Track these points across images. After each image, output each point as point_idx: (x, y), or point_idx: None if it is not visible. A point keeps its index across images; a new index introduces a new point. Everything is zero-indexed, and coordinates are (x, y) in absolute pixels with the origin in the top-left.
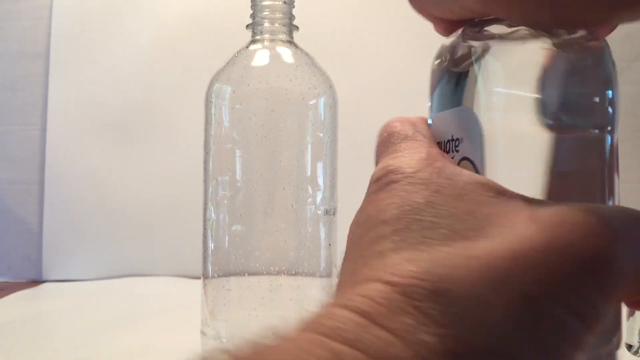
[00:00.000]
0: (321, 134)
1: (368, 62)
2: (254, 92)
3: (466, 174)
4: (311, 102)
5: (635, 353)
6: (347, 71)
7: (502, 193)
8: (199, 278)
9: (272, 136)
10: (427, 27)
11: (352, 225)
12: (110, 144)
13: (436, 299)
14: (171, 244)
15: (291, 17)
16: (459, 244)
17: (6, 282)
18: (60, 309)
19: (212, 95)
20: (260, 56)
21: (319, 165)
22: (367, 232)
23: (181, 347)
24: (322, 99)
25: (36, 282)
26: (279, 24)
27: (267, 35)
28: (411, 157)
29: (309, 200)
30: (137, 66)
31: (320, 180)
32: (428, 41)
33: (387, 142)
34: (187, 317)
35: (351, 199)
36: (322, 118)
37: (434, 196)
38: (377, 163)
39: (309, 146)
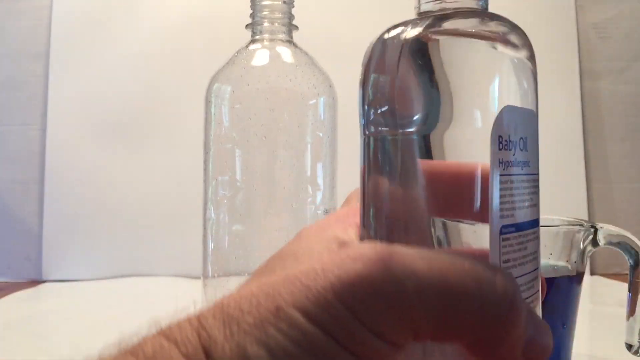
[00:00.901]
0: (321, 134)
1: None
2: (254, 92)
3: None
4: (311, 102)
5: (636, 353)
6: (347, 71)
7: (343, 244)
8: (199, 278)
9: (271, 136)
10: None
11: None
12: (110, 143)
13: (224, 317)
14: (171, 244)
15: (291, 16)
16: (272, 274)
17: (6, 282)
18: (60, 308)
19: (212, 95)
20: (260, 56)
21: (319, 165)
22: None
23: None
24: (322, 99)
25: (36, 282)
26: (279, 23)
27: (266, 35)
28: (322, 220)
29: (309, 199)
30: (137, 66)
31: (320, 180)
32: None
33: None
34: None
35: None
36: (322, 118)
37: (302, 242)
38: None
39: (309, 146)
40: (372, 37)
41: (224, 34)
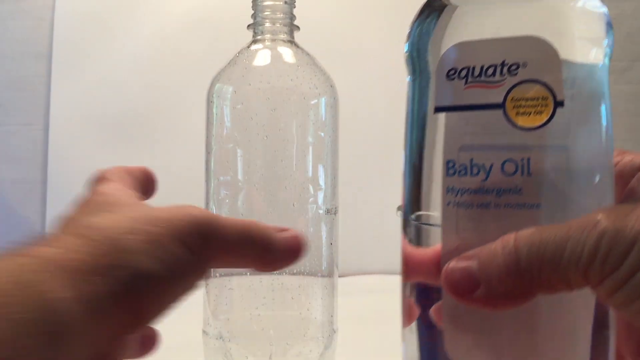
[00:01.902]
0: (322, 134)
1: (368, 62)
2: (255, 92)
3: (139, 198)
4: (312, 102)
5: None
6: (348, 71)
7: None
8: None
9: (273, 136)
10: None
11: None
12: (112, 143)
13: (97, 233)
14: None
15: (292, 17)
16: (112, 214)
17: None
18: None
19: (214, 95)
20: (262, 56)
21: (320, 165)
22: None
23: (182, 347)
24: (324, 99)
25: None
26: (280, 24)
27: (268, 35)
28: (103, 186)
29: (311, 199)
30: (139, 66)
31: (321, 180)
32: None
33: (91, 185)
34: (188, 316)
35: (350, 198)
36: (323, 118)
37: (109, 198)
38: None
39: (310, 146)
40: (373, 37)
41: (225, 35)
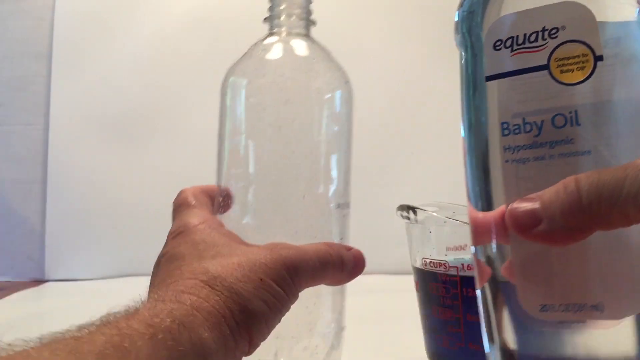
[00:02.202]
0: (336, 128)
1: (368, 62)
2: (269, 85)
3: (223, 228)
4: (327, 96)
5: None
6: (348, 71)
7: (240, 241)
8: None
9: (286, 129)
10: (436, 25)
11: (155, 265)
12: (112, 143)
13: (216, 280)
14: None
15: (309, 12)
16: (223, 259)
17: (9, 281)
18: (62, 308)
19: (227, 88)
20: (276, 49)
21: (333, 159)
22: (169, 263)
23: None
24: (338, 93)
25: (38, 281)
26: (297, 17)
27: (284, 29)
28: (193, 218)
29: (322, 193)
30: (140, 66)
31: (334, 174)
32: (438, 38)
33: (178, 209)
34: None
35: (357, 194)
36: (338, 111)
37: (206, 236)
38: (173, 222)
39: (323, 139)
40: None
41: (225, 35)
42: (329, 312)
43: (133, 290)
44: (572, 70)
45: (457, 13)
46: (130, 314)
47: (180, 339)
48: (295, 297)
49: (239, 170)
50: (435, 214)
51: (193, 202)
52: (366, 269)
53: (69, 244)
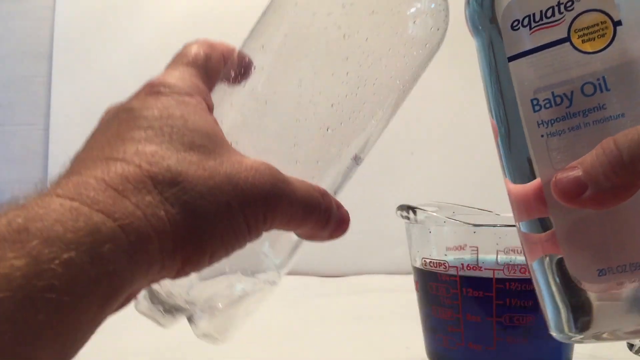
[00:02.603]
0: (410, 70)
1: None
2: None
3: (211, 114)
4: (410, 11)
5: (637, 352)
6: None
7: (225, 140)
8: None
9: (352, 41)
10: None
11: (109, 112)
12: None
13: (173, 187)
14: None
15: None
16: (197, 156)
17: None
18: None
19: None
20: None
21: (387, 102)
22: (126, 121)
23: (181, 346)
24: (428, 19)
25: None
26: None
27: None
28: (186, 80)
29: (348, 134)
30: (140, 66)
31: (374, 120)
32: (445, 37)
33: (177, 57)
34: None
35: (350, 198)
36: (415, 38)
37: (189, 114)
38: (164, 70)
39: (393, 75)
40: None
41: (225, 35)
42: (271, 259)
43: None
44: (594, 39)
45: (466, 1)
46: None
47: (82, 263)
48: (258, 237)
49: (269, 50)
50: (435, 214)
51: (196, 60)
52: (366, 269)
53: None
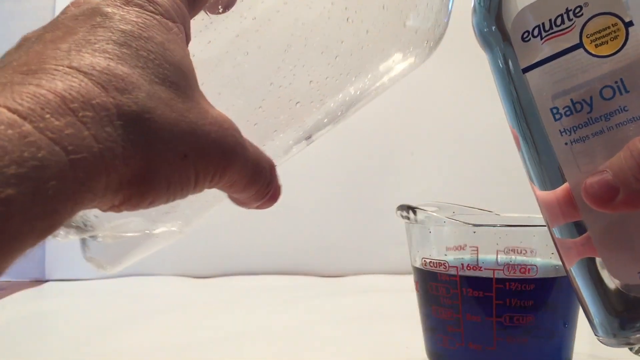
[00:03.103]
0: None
1: None
2: None
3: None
4: (415, 18)
5: (637, 352)
6: None
7: (195, 82)
8: (200, 277)
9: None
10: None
11: (80, 5)
12: None
13: (137, 124)
14: (172, 244)
15: None
16: (167, 93)
17: (9, 281)
18: (62, 308)
19: None
20: None
21: (374, 75)
22: (101, 27)
23: (181, 347)
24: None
25: (39, 281)
26: None
27: None
28: (171, 1)
29: (317, 108)
30: None
31: (342, 105)
32: (445, 37)
33: None
34: (187, 316)
35: (350, 198)
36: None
37: (169, 43)
38: None
39: (391, 48)
40: None
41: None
42: (185, 209)
43: (133, 291)
44: (607, 42)
45: (473, 17)
46: None
47: (22, 202)
48: (200, 192)
49: (268, 1)
50: (435, 214)
51: None
52: (366, 269)
53: (69, 244)
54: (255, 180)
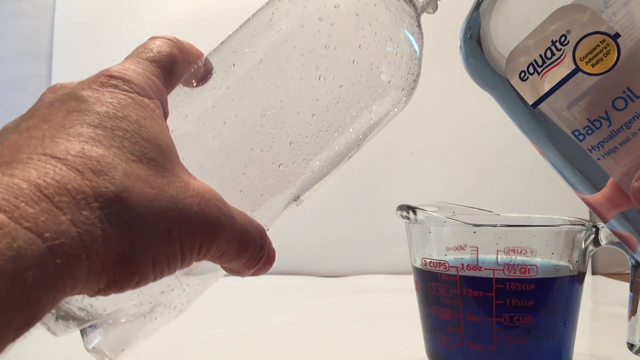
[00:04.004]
0: (382, 111)
1: None
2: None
3: (166, 124)
4: (389, 73)
5: (637, 352)
6: None
7: (177, 155)
8: None
9: (330, 74)
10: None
11: (55, 91)
12: None
13: (115, 204)
14: None
15: None
16: (145, 170)
17: None
18: None
19: None
20: None
21: (351, 140)
22: (75, 112)
23: (181, 346)
24: (406, 55)
25: None
26: None
27: None
28: (147, 78)
29: (299, 171)
30: None
31: (325, 162)
32: (438, 38)
33: (140, 50)
34: (187, 316)
35: (350, 198)
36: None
37: (145, 120)
38: (124, 60)
39: (362, 108)
40: None
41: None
42: (184, 284)
43: None
44: (601, 59)
45: (465, 63)
46: None
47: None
48: (189, 266)
49: (239, 72)
50: (435, 214)
51: (160, 58)
52: (366, 269)
53: None
54: (245, 248)
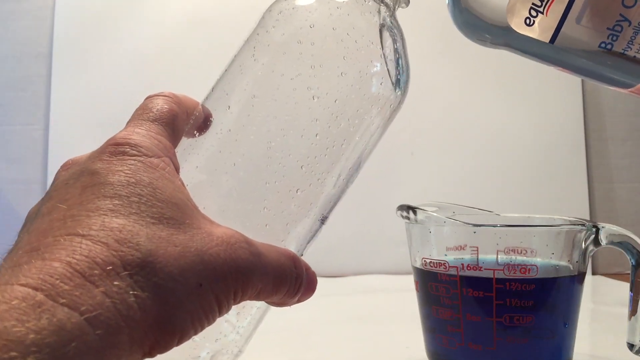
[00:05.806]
0: (378, 129)
1: None
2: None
3: (178, 175)
4: (376, 71)
5: (638, 352)
6: None
7: (195, 207)
8: None
9: (325, 100)
10: (435, 24)
11: (68, 168)
12: None
13: (143, 269)
14: None
15: None
16: (166, 230)
17: None
18: None
19: (275, 14)
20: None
21: (357, 157)
22: (90, 187)
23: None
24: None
25: None
26: None
27: None
28: (152, 138)
29: (317, 193)
30: (140, 65)
31: (343, 177)
32: (438, 37)
33: (140, 112)
34: None
35: (350, 198)
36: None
37: (157, 181)
38: (127, 124)
39: (362, 131)
40: None
41: (225, 35)
42: (235, 326)
43: None
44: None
45: (454, 20)
46: None
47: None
48: (228, 312)
49: (236, 112)
50: (435, 214)
51: (162, 116)
52: (366, 269)
53: None
54: (281, 281)
